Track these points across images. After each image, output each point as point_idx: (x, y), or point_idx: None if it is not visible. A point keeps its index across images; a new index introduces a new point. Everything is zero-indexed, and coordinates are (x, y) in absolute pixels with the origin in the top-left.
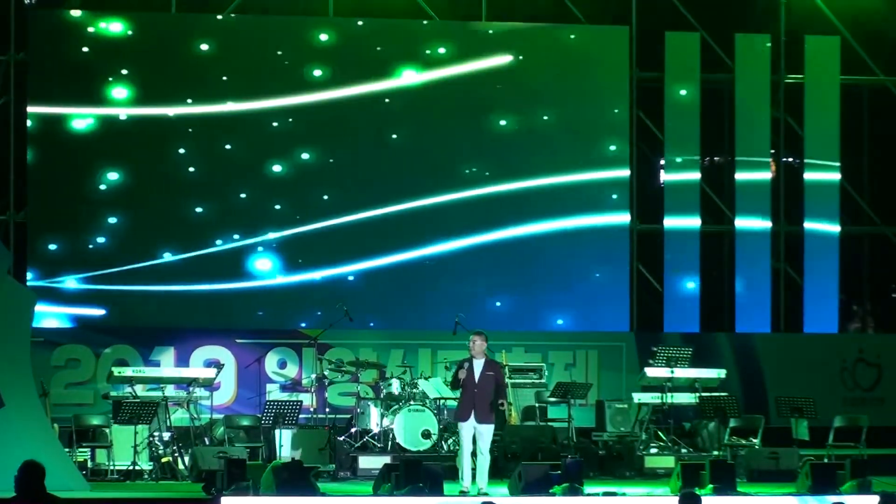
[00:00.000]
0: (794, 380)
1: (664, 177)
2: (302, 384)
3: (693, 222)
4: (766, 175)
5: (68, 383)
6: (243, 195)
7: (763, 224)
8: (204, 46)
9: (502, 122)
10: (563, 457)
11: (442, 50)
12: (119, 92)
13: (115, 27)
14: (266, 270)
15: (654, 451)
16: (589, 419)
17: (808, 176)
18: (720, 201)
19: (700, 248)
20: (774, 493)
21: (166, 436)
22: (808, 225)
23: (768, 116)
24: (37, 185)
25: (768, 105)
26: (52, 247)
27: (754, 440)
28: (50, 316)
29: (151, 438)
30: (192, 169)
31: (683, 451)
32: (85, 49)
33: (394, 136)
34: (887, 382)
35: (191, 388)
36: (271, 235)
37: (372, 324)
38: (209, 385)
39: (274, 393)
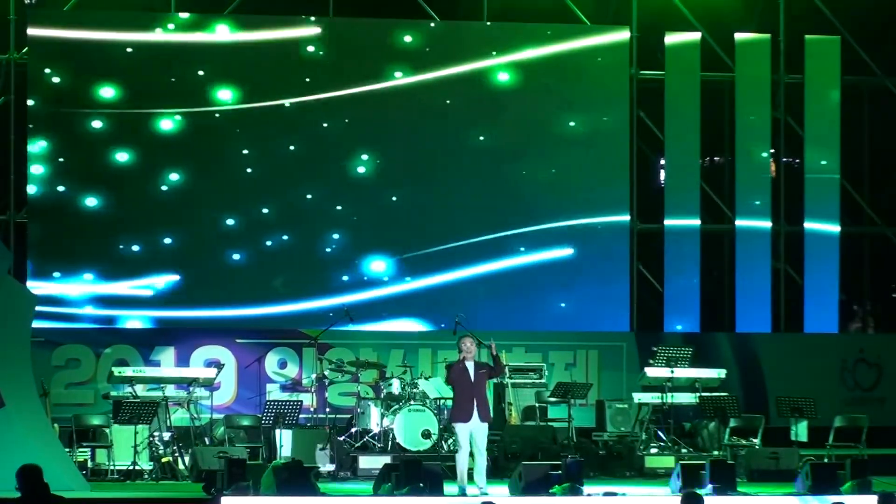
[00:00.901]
0: (794, 380)
1: (664, 177)
2: (302, 384)
3: (693, 222)
4: (766, 175)
5: (68, 383)
6: (309, 196)
7: (763, 224)
8: (314, 49)
9: (505, 121)
10: (563, 457)
11: (494, 52)
12: (225, 93)
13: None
14: (334, 271)
15: (654, 451)
16: (589, 419)
17: (808, 176)
18: (720, 201)
19: (700, 248)
20: (774, 493)
21: (166, 436)
22: (808, 225)
23: (768, 116)
24: (123, 186)
25: (768, 105)
26: (136, 248)
27: (754, 440)
28: (134, 318)
29: (151, 438)
30: (249, 170)
31: (683, 451)
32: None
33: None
34: (887, 382)
35: (191, 388)
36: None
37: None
38: (209, 385)
39: (274, 393)
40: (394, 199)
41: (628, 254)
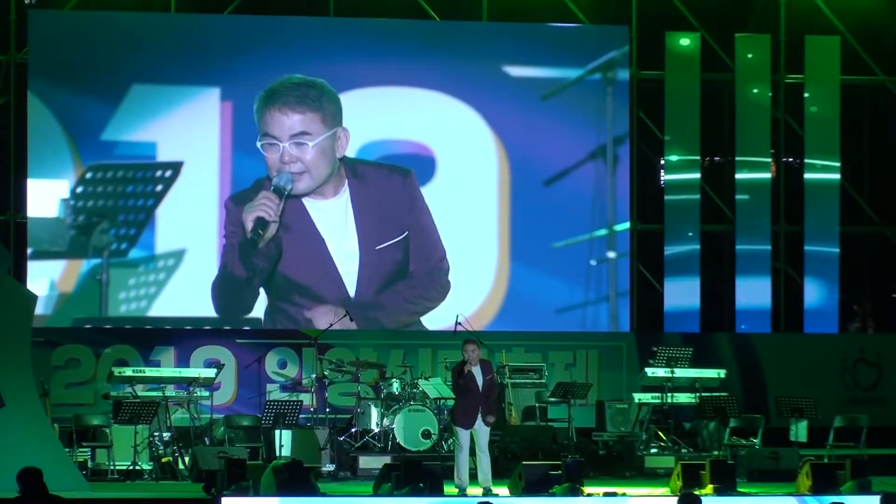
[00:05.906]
0: (794, 380)
1: (664, 177)
2: (302, 384)
3: (693, 222)
4: (766, 175)
5: (68, 383)
6: None
7: (763, 224)
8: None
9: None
10: (563, 457)
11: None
12: None
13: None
14: None
15: (654, 451)
16: (589, 419)
17: (808, 176)
18: (720, 201)
19: (700, 249)
20: (774, 493)
21: (166, 436)
22: (808, 224)
23: (768, 116)
24: None
25: (768, 105)
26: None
27: (754, 440)
28: None
29: (151, 438)
30: None
31: (683, 451)
32: None
33: None
34: (887, 382)
35: (191, 388)
36: None
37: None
38: (209, 385)
39: (274, 393)
40: None
41: (629, 253)
